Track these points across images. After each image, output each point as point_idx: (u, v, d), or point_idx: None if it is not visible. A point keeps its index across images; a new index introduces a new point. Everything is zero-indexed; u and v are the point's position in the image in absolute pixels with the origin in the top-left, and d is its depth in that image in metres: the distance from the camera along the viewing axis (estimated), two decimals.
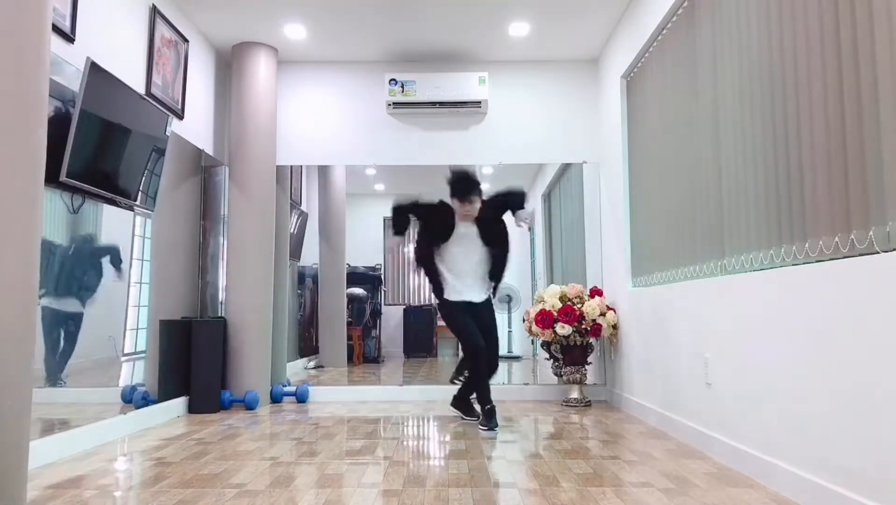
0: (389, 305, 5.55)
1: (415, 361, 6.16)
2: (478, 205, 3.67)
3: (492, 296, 3.83)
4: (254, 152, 4.51)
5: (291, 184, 5.13)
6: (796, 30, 2.17)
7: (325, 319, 5.41)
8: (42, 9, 1.73)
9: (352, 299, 5.50)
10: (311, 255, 5.40)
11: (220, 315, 4.45)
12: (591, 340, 4.32)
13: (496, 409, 3.50)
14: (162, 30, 3.87)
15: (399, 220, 3.80)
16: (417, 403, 4.45)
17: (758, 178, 2.42)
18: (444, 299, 3.71)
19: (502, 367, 5.35)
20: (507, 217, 3.83)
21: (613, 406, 4.28)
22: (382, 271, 5.57)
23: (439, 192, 3.75)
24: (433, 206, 3.76)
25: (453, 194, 3.68)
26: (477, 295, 3.74)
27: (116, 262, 3.38)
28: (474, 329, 3.58)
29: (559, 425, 3.55)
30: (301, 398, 4.56)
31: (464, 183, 3.65)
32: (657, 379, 3.48)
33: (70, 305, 3.03)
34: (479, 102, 4.74)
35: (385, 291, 5.61)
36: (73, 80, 2.90)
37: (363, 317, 5.60)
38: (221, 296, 4.50)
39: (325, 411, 4.11)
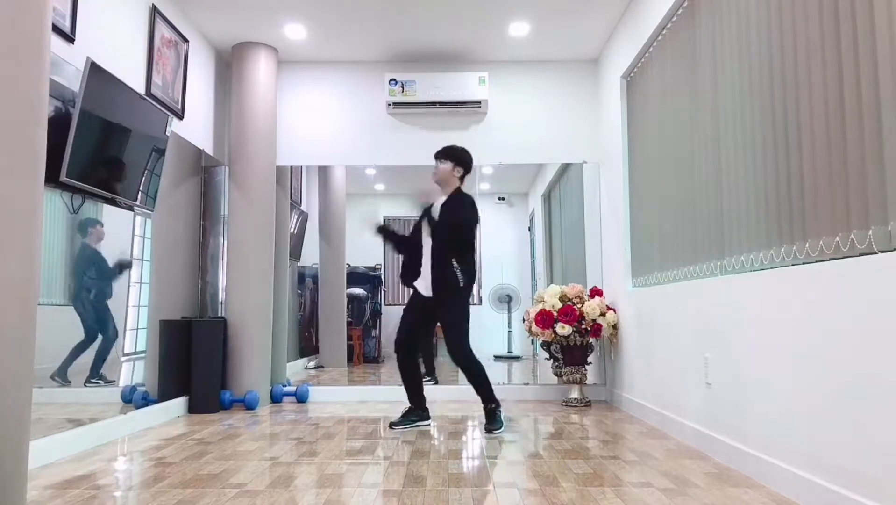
0: (389, 305, 5.54)
1: None
2: (441, 166, 3.58)
3: (443, 290, 3.44)
4: (254, 152, 4.51)
5: (291, 184, 5.13)
6: (796, 29, 2.17)
7: (325, 319, 5.41)
8: (42, 9, 1.73)
9: (352, 299, 5.50)
10: (311, 255, 5.40)
11: (220, 315, 4.45)
12: (591, 340, 4.32)
13: (413, 413, 3.57)
14: (162, 30, 3.87)
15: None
16: None
17: (758, 177, 2.42)
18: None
19: (502, 367, 5.34)
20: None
21: (613, 406, 4.28)
22: (382, 271, 5.56)
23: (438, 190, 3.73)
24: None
25: None
26: (423, 286, 3.57)
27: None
28: (401, 325, 3.59)
29: (559, 425, 3.55)
30: (301, 398, 4.56)
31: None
32: (657, 379, 3.48)
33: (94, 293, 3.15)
34: (479, 102, 4.74)
35: (385, 291, 5.60)
36: (73, 80, 2.90)
37: (363, 317, 5.60)
38: (221, 296, 4.50)
39: (325, 411, 4.11)
